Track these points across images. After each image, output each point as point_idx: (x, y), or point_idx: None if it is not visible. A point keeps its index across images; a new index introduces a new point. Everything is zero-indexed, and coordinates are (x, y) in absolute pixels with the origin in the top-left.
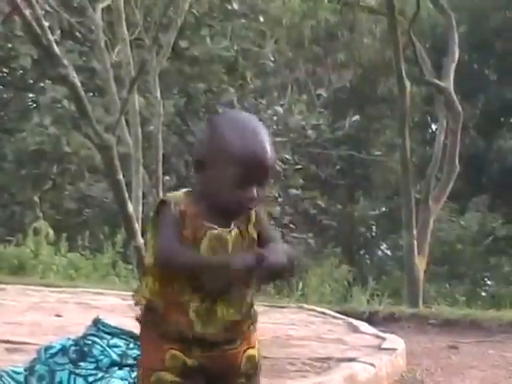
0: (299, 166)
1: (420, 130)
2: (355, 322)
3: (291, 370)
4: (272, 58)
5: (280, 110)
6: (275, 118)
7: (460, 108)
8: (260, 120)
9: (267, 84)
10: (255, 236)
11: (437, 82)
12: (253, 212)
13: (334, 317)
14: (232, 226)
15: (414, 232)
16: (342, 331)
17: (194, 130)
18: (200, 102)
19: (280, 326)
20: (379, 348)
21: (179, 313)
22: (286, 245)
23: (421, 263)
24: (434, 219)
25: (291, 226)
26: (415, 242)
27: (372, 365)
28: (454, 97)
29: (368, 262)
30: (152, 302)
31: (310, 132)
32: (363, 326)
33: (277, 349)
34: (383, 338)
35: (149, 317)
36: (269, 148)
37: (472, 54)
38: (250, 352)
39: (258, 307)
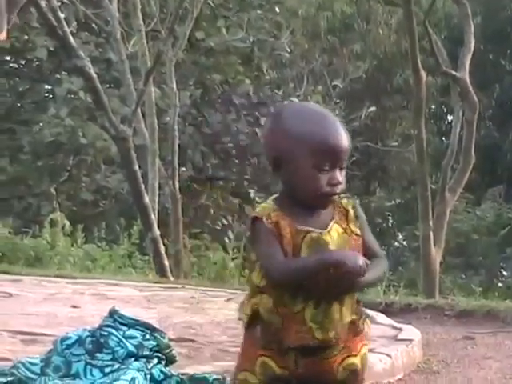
0: None
1: (436, 120)
2: (371, 313)
3: None
4: (288, 49)
5: (296, 101)
6: None
7: (476, 98)
8: None
9: (283, 75)
10: (359, 232)
11: (452, 72)
12: (349, 208)
13: None
14: (330, 225)
15: (431, 223)
16: None
17: (210, 121)
18: (216, 93)
19: None
20: (395, 339)
21: (298, 323)
22: (384, 263)
23: (437, 254)
24: (450, 210)
25: None
26: (431, 233)
27: (388, 355)
28: (470, 87)
29: (384, 252)
30: (266, 318)
31: None
32: (379, 316)
33: None
34: (399, 329)
35: (263, 330)
36: (342, 131)
37: (488, 44)
38: (350, 360)
39: None
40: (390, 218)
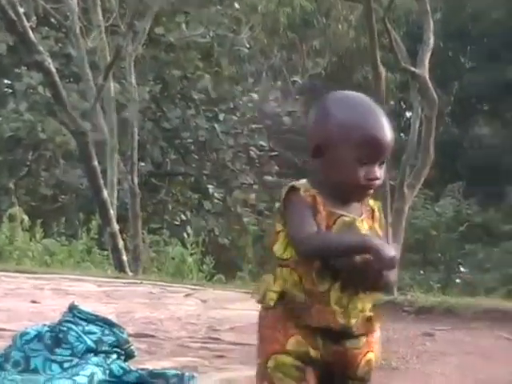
0: (275, 153)
1: (395, 117)
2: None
3: None
4: (247, 45)
5: (255, 96)
6: (250, 104)
7: (435, 95)
8: (235, 107)
9: (242, 71)
10: (381, 234)
11: (412, 69)
12: (376, 208)
13: None
14: (362, 216)
15: (389, 219)
16: None
17: (169, 116)
18: (175, 88)
19: (256, 313)
20: None
21: (322, 303)
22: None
23: (396, 251)
24: (408, 206)
25: (266, 212)
26: (390, 230)
27: None
28: (429, 84)
29: None
30: (289, 294)
31: (285, 119)
32: None
33: (253, 336)
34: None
35: (286, 308)
36: (388, 125)
37: (447, 41)
38: (369, 356)
39: (234, 294)
40: None
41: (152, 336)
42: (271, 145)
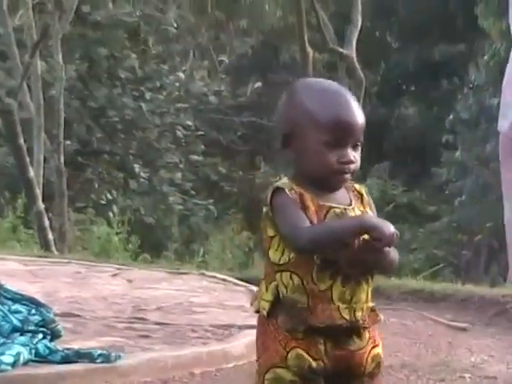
0: (201, 132)
1: None
2: (256, 289)
3: (193, 337)
4: (174, 24)
5: (182, 75)
6: (177, 84)
7: (362, 75)
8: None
9: (169, 50)
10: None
11: (339, 49)
12: (363, 192)
13: (236, 284)
14: (353, 204)
15: None
16: (244, 298)
17: (95, 95)
18: (102, 67)
19: (182, 293)
20: None
21: (325, 302)
22: (396, 252)
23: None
24: None
25: (192, 192)
26: None
27: None
28: (356, 64)
29: None
30: (289, 300)
31: (211, 98)
32: None
33: (179, 316)
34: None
35: (287, 316)
36: (355, 107)
37: (374, 21)
38: (375, 351)
39: (159, 273)
40: None
41: (78, 316)
42: (197, 124)
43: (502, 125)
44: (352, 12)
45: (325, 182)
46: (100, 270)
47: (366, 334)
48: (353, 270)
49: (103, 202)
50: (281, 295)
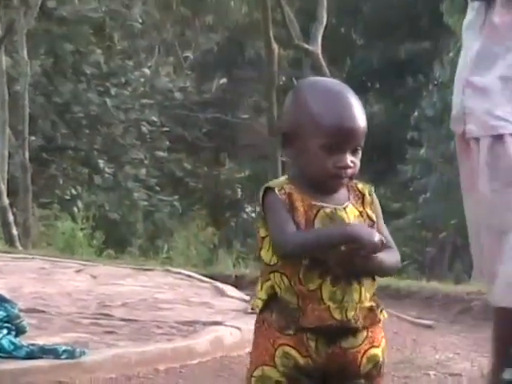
0: (166, 128)
1: (287, 93)
2: (221, 286)
3: (158, 333)
4: (140, 20)
5: (147, 71)
6: (142, 79)
7: (327, 72)
8: (126, 82)
9: (135, 45)
10: (374, 218)
11: (305, 45)
12: (366, 192)
13: (201, 280)
14: (346, 204)
15: None
16: (209, 295)
17: (60, 90)
18: (67, 62)
19: (147, 289)
20: (245, 312)
21: (315, 302)
22: (397, 255)
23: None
24: None
25: (157, 188)
26: None
27: (238, 328)
28: (322, 60)
29: (233, 224)
30: (283, 299)
31: (176, 94)
32: (230, 289)
33: (143, 312)
34: (249, 302)
35: (280, 315)
36: (357, 111)
37: (340, 18)
38: (373, 351)
39: (124, 269)
40: (239, 189)
41: (43, 311)
42: (162, 120)
43: (454, 127)
44: (317, 8)
45: (321, 184)
46: (64, 266)
47: (364, 333)
48: (341, 270)
49: (68, 198)
50: (278, 294)
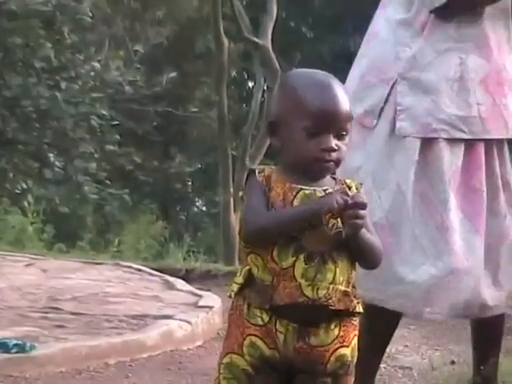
0: (116, 122)
1: (237, 87)
2: (171, 280)
3: (108, 327)
4: (90, 14)
5: (97, 65)
6: (92, 73)
7: (277, 65)
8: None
9: (85, 39)
10: None
11: (254, 39)
12: (353, 185)
13: (151, 274)
14: (329, 189)
15: (231, 190)
16: (159, 288)
17: (10, 84)
18: (17, 56)
19: (96, 283)
20: (195, 305)
21: (287, 279)
22: (380, 248)
23: (237, 221)
24: None
25: (107, 181)
26: (232, 200)
27: (188, 322)
28: (272, 54)
29: (184, 218)
30: (259, 279)
31: (127, 88)
32: (179, 283)
33: (93, 306)
34: (199, 296)
35: (258, 292)
36: (341, 95)
37: (289, 10)
38: (342, 351)
39: (74, 263)
40: (189, 183)
41: None
42: (112, 114)
43: (354, 110)
44: (267, 2)
45: (307, 169)
46: (14, 260)
47: (335, 332)
48: (315, 247)
49: (18, 192)
50: (254, 275)
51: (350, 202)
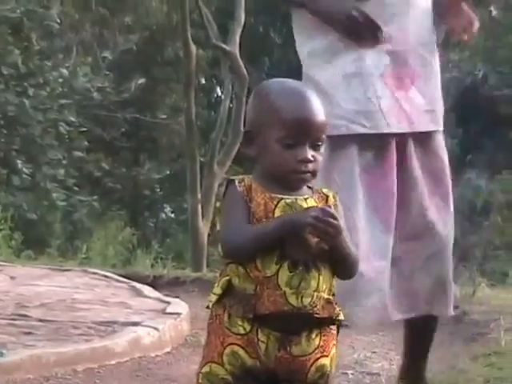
0: (84, 129)
1: (206, 93)
2: (139, 286)
3: (76, 334)
4: (58, 20)
5: (65, 72)
6: (60, 80)
7: (245, 72)
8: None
9: (53, 46)
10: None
11: (222, 45)
12: (330, 195)
13: (118, 280)
14: (308, 197)
15: (199, 196)
16: (126, 295)
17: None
18: None
19: (64, 290)
20: (163, 312)
21: (271, 287)
22: (357, 258)
23: (205, 227)
24: (218, 183)
25: (75, 188)
26: (200, 206)
27: (156, 329)
28: (240, 61)
29: (152, 224)
30: (240, 288)
31: (95, 94)
32: (147, 289)
33: (61, 312)
34: (167, 302)
35: (240, 303)
36: (315, 105)
37: (258, 17)
38: (322, 361)
39: (42, 270)
40: (158, 190)
41: None
42: (81, 120)
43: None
44: (235, 8)
45: (284, 180)
46: None
47: (316, 341)
48: (298, 255)
49: None
50: (235, 284)
51: (321, 216)
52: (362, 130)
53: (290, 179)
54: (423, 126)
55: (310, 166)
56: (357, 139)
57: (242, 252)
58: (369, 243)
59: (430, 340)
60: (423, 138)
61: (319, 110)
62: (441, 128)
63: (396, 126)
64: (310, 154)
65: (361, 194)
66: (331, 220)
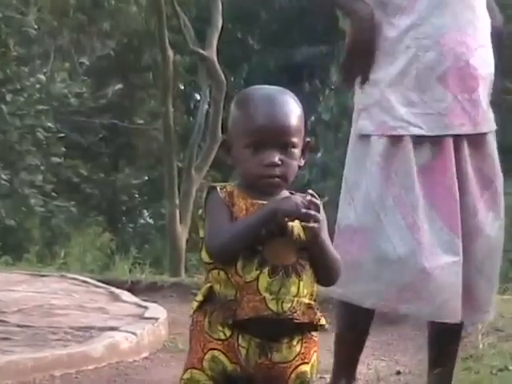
0: (62, 134)
1: (184, 99)
2: (117, 291)
3: (53, 339)
4: (35, 26)
5: (43, 77)
6: (38, 85)
7: (223, 77)
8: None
9: (30, 52)
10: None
11: (200, 51)
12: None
13: (96, 286)
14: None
15: (177, 201)
16: (104, 300)
17: None
18: None
19: (42, 295)
20: (141, 317)
21: (251, 293)
22: (339, 262)
23: (183, 232)
24: (196, 188)
25: (53, 194)
26: (177, 211)
27: (134, 334)
28: (217, 66)
29: (130, 230)
30: (222, 295)
31: (72, 100)
32: (125, 294)
33: (39, 318)
34: (145, 307)
35: (221, 308)
36: (284, 109)
37: (236, 22)
38: (303, 368)
39: (20, 276)
40: (136, 195)
41: None
42: (58, 126)
43: (366, 126)
44: (212, 14)
45: (257, 186)
46: None
47: (297, 348)
48: (278, 261)
49: None
50: (216, 292)
51: (306, 203)
52: (420, 132)
53: (259, 184)
54: (485, 127)
55: (278, 170)
56: (414, 140)
57: (228, 249)
58: (430, 241)
59: (458, 343)
60: (479, 139)
61: (288, 114)
62: (495, 128)
63: (457, 128)
64: (277, 157)
65: (420, 194)
66: (312, 207)
